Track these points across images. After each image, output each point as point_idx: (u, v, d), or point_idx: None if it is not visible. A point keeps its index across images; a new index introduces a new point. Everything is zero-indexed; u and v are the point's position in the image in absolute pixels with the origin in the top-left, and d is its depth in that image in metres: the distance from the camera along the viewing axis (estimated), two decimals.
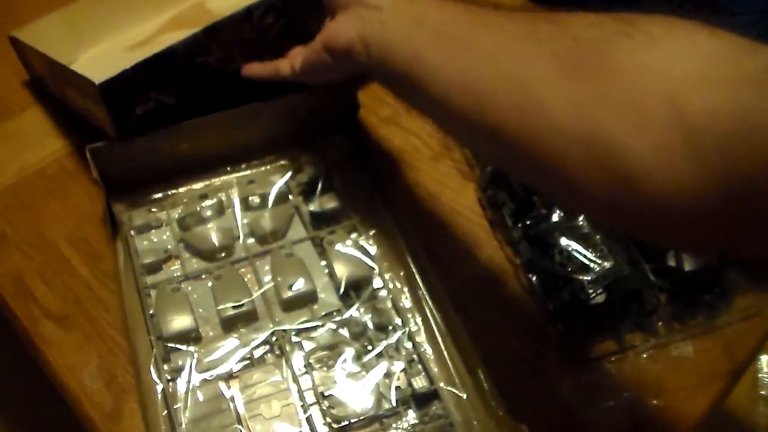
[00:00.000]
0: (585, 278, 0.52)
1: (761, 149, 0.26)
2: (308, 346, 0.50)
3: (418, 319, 0.52)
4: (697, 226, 0.30)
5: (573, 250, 0.53)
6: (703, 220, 0.29)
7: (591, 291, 0.52)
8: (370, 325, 0.51)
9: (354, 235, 0.56)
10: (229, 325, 0.51)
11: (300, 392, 0.48)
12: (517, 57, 0.35)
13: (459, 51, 0.38)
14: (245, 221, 0.57)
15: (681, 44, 0.30)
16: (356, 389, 0.48)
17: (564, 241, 0.54)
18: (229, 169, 0.60)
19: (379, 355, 0.50)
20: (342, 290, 0.53)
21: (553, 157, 0.33)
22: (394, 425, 0.47)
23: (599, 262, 0.52)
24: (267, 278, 0.54)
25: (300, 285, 0.52)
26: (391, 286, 0.54)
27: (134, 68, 0.53)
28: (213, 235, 0.55)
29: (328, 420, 0.47)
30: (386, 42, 0.42)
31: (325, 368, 0.49)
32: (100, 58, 0.64)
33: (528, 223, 0.56)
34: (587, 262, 0.52)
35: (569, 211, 0.54)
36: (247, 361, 0.50)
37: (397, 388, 0.48)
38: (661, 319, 0.52)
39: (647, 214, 0.31)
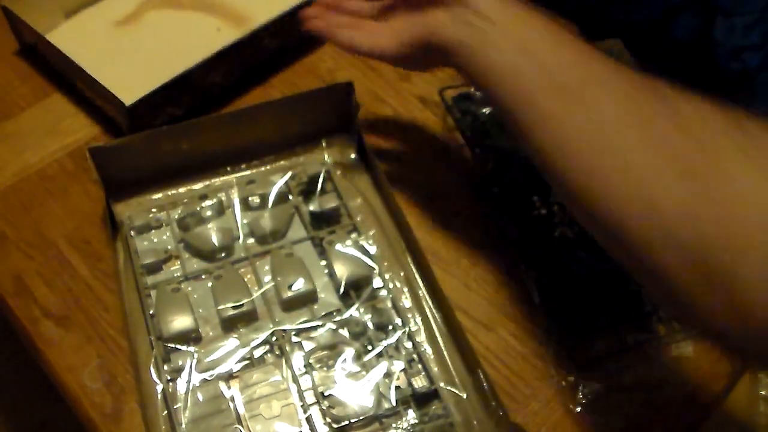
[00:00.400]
0: (586, 277, 0.53)
1: None
2: (308, 346, 0.50)
3: (418, 319, 0.52)
4: None
5: (575, 249, 0.53)
6: None
7: (592, 290, 0.52)
8: (370, 325, 0.51)
9: (354, 235, 0.56)
10: (229, 325, 0.51)
11: (300, 392, 0.48)
12: (631, 138, 0.33)
13: (571, 105, 0.36)
14: (245, 221, 0.57)
15: None
16: (356, 389, 0.48)
17: (564, 238, 0.54)
18: (229, 169, 0.60)
19: (379, 355, 0.50)
20: (342, 290, 0.53)
21: (656, 256, 0.31)
22: (394, 425, 0.47)
23: (601, 261, 0.51)
24: (267, 278, 0.54)
25: (300, 285, 0.52)
26: (391, 286, 0.54)
27: (159, 89, 0.60)
28: (213, 235, 0.55)
29: (328, 420, 0.47)
30: (490, 63, 0.40)
31: (325, 368, 0.49)
32: (84, 30, 0.69)
33: (528, 219, 0.55)
34: (589, 261, 0.52)
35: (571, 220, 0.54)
36: (247, 361, 0.50)
37: (397, 387, 0.48)
38: (661, 319, 0.52)
39: (751, 337, 0.30)
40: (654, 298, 0.39)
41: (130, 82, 0.59)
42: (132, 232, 0.56)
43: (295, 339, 0.51)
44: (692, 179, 0.31)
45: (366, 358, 0.49)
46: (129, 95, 0.59)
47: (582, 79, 0.36)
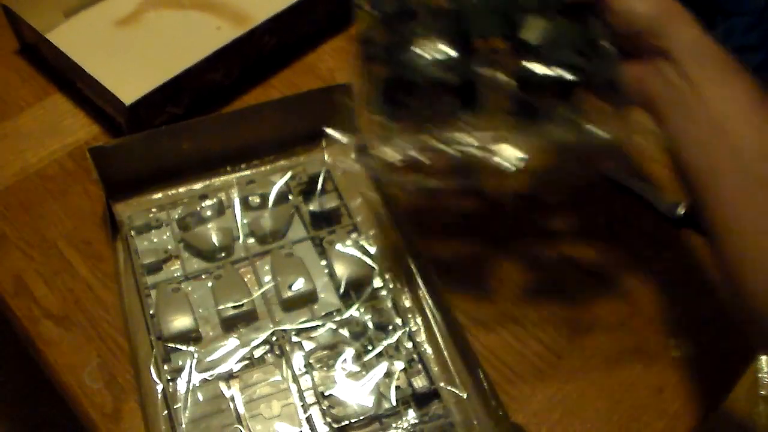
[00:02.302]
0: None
1: None
2: (308, 345, 0.50)
3: (418, 319, 0.52)
4: None
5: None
6: None
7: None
8: (370, 325, 0.51)
9: (354, 235, 0.56)
10: (229, 325, 0.51)
11: (300, 392, 0.48)
12: None
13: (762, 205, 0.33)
14: (245, 221, 0.57)
15: None
16: (356, 389, 0.48)
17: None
18: (229, 169, 0.60)
19: (379, 355, 0.50)
20: (342, 290, 0.53)
21: None
22: (394, 425, 0.47)
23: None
24: (267, 278, 0.54)
25: (300, 285, 0.52)
26: (391, 286, 0.54)
27: (159, 88, 0.60)
28: (213, 235, 0.55)
29: (328, 420, 0.47)
30: (678, 127, 0.37)
31: (325, 368, 0.49)
32: (84, 30, 0.70)
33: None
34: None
35: None
36: (247, 361, 0.50)
37: (397, 387, 0.48)
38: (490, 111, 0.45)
39: None
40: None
41: (130, 82, 0.60)
42: (132, 232, 0.56)
43: (295, 339, 0.51)
44: None
45: (366, 358, 0.49)
46: (129, 95, 0.59)
47: None
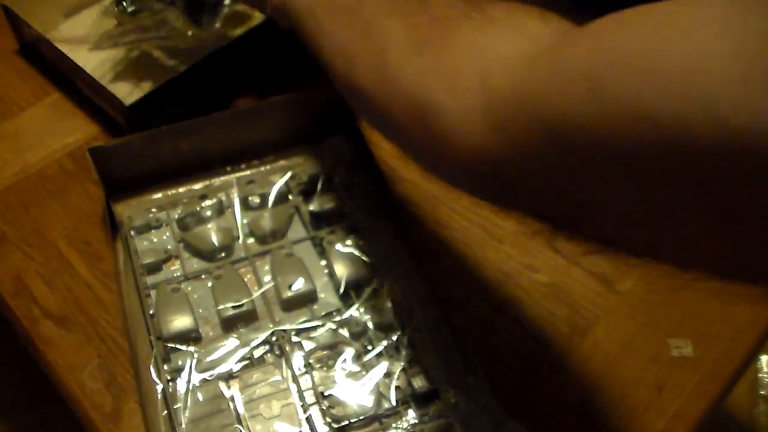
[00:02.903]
0: None
1: (535, 125, 0.29)
2: (308, 346, 0.50)
3: (418, 319, 0.52)
4: (485, 180, 0.35)
5: None
6: (489, 175, 0.34)
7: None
8: (370, 325, 0.51)
9: (354, 235, 0.56)
10: (229, 325, 0.51)
11: (300, 392, 0.48)
12: (382, 30, 0.39)
13: (343, 19, 0.42)
14: (245, 221, 0.57)
15: (511, 28, 0.34)
16: (356, 389, 0.48)
17: None
18: (229, 169, 0.60)
19: (379, 355, 0.50)
20: (342, 290, 0.53)
21: (394, 117, 0.38)
22: (393, 425, 0.47)
23: None
24: (267, 278, 0.54)
25: (300, 285, 0.52)
26: (391, 286, 0.54)
27: (159, 88, 0.60)
28: (213, 235, 0.55)
29: (328, 420, 0.47)
30: None
31: (324, 368, 0.49)
32: (84, 30, 0.68)
33: None
34: None
35: None
36: (247, 361, 0.50)
37: (397, 387, 0.48)
38: None
39: (453, 166, 0.36)
40: (381, 134, 0.45)
41: (130, 82, 0.60)
42: (132, 232, 0.56)
43: (295, 339, 0.51)
44: (426, 51, 0.37)
45: (366, 358, 0.49)
46: (129, 95, 0.59)
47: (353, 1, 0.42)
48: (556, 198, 0.31)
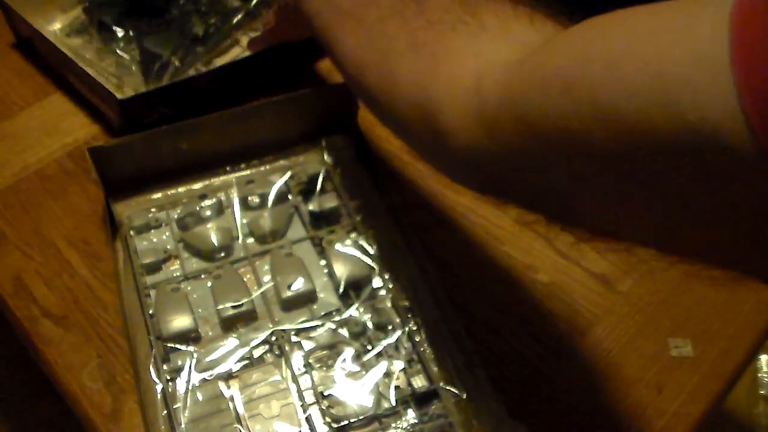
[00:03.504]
0: None
1: (521, 125, 0.31)
2: (308, 345, 0.50)
3: (418, 319, 0.52)
4: (480, 175, 0.37)
5: None
6: (483, 170, 0.36)
7: None
8: (370, 325, 0.51)
9: (354, 235, 0.56)
10: (228, 325, 0.51)
11: (299, 392, 0.48)
12: (384, 34, 0.41)
13: (349, 23, 0.44)
14: (245, 221, 0.57)
15: (502, 33, 0.36)
16: (356, 389, 0.48)
17: None
18: (228, 169, 0.60)
19: (379, 355, 0.50)
20: (341, 290, 0.53)
21: (400, 116, 0.40)
22: (393, 425, 0.47)
23: None
24: (266, 278, 0.54)
25: (299, 285, 0.52)
26: (390, 285, 0.54)
27: (154, 90, 0.61)
28: (212, 235, 0.55)
29: (328, 420, 0.47)
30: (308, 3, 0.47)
31: (324, 368, 0.49)
32: (80, 22, 0.69)
33: None
34: None
35: None
36: (246, 361, 0.50)
37: (397, 387, 0.48)
38: None
39: (452, 162, 0.39)
40: (392, 132, 0.47)
41: (123, 79, 0.59)
42: (131, 232, 0.55)
43: (294, 339, 0.50)
44: (423, 55, 0.38)
45: (365, 358, 0.49)
46: (122, 90, 0.59)
47: (360, 5, 0.43)
48: (545, 191, 0.34)
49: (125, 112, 0.59)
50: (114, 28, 0.65)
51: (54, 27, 0.66)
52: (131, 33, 0.65)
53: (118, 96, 0.58)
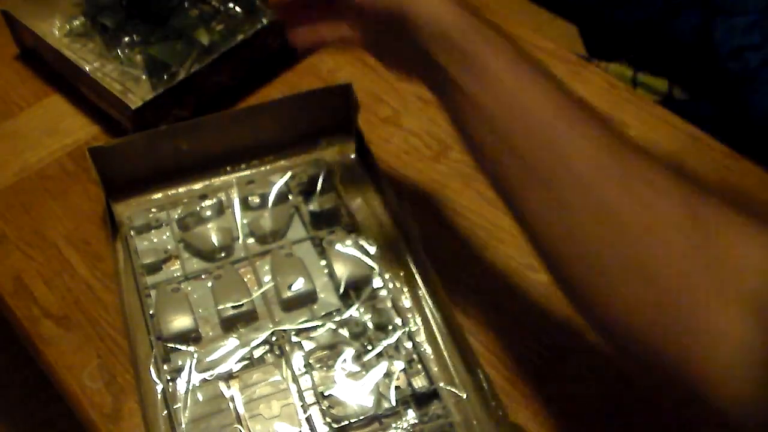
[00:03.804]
0: None
1: None
2: (308, 346, 0.50)
3: (418, 319, 0.52)
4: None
5: None
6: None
7: None
8: (370, 325, 0.51)
9: (354, 235, 0.56)
10: (228, 325, 0.51)
11: (300, 392, 0.48)
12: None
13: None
14: (245, 221, 0.57)
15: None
16: (356, 389, 0.48)
17: None
18: (228, 169, 0.60)
19: (379, 355, 0.50)
20: (342, 290, 0.53)
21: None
22: (393, 425, 0.47)
23: None
24: (267, 278, 0.54)
25: (300, 285, 0.52)
26: (391, 286, 0.54)
27: (164, 91, 0.60)
28: (213, 235, 0.55)
29: (328, 420, 0.47)
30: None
31: (324, 368, 0.49)
32: (86, 30, 0.68)
33: None
34: None
35: None
36: (246, 361, 0.50)
37: (397, 387, 0.48)
38: None
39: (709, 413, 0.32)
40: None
41: (133, 85, 0.60)
42: (132, 232, 0.55)
43: (294, 339, 0.50)
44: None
45: (366, 358, 0.49)
46: (134, 98, 0.59)
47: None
48: None
49: (139, 120, 0.59)
50: (117, 33, 0.65)
51: (56, 33, 0.65)
52: (135, 38, 0.64)
53: (132, 107, 0.58)
